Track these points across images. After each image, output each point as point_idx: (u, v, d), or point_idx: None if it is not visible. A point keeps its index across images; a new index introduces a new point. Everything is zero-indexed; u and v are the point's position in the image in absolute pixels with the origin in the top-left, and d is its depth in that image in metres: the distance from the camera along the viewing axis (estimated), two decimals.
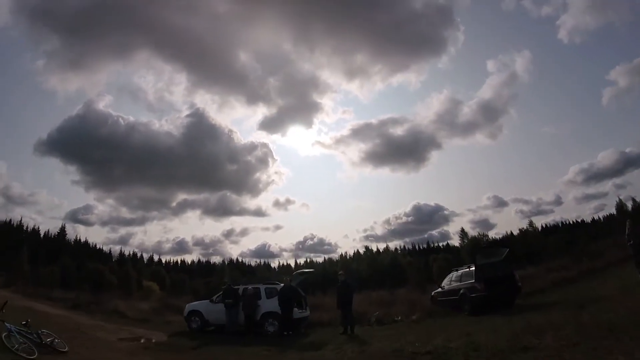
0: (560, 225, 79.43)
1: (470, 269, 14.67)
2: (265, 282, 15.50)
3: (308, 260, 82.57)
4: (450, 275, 16.28)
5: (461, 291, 14.30)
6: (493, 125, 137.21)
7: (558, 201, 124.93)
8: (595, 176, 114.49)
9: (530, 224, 65.89)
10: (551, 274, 19.07)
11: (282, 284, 14.49)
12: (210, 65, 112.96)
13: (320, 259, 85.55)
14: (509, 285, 13.78)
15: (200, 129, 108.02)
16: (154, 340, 12.72)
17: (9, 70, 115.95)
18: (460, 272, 15.55)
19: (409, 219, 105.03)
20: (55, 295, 24.32)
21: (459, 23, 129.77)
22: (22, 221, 68.91)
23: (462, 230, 69.50)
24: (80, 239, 73.42)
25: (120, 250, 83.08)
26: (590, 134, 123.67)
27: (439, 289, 16.42)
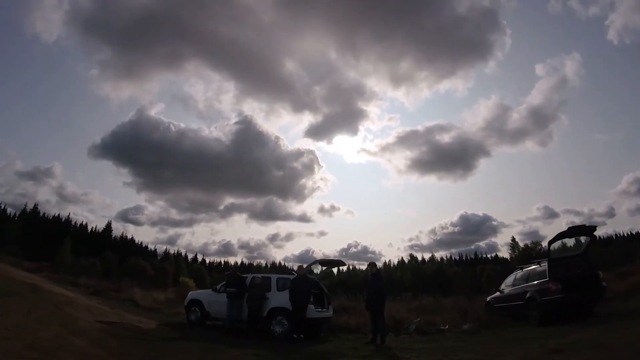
0: (614, 237, 73.04)
1: (542, 265, 11.34)
2: (280, 273, 12.32)
3: (351, 267, 79.09)
4: (513, 275, 12.83)
5: (528, 295, 10.98)
6: (543, 132, 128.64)
7: (611, 213, 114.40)
8: None
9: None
10: (626, 279, 14.99)
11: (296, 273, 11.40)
12: (257, 74, 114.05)
13: (363, 267, 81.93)
14: (591, 286, 10.51)
15: (248, 136, 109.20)
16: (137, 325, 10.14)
17: (65, 78, 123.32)
18: (527, 270, 12.02)
19: (456, 229, 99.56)
20: (82, 282, 23.69)
21: (505, 26, 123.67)
22: (70, 216, 71.10)
23: (513, 239, 63.23)
24: (126, 236, 74.44)
25: (166, 249, 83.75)
26: None
27: (497, 294, 13.13)
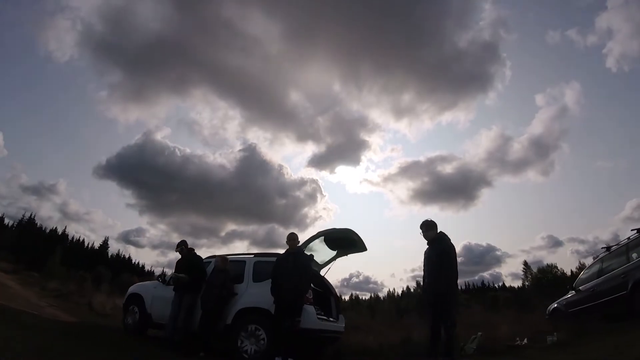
0: None
1: None
2: (260, 254, 7.08)
3: (354, 296, 73.46)
4: (598, 263, 8.66)
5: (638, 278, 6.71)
6: (545, 162, 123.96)
7: (616, 240, 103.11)
8: None
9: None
10: None
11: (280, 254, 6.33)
12: (263, 104, 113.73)
13: (366, 297, 76.17)
14: None
15: (252, 164, 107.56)
16: None
17: (75, 97, 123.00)
18: (624, 243, 7.75)
19: (459, 259, 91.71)
20: (52, 286, 20.85)
21: (505, 58, 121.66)
22: (66, 230, 67.64)
23: (525, 263, 56.74)
24: (123, 255, 70.03)
25: (163, 270, 78.74)
26: None
27: (569, 295, 9.18)
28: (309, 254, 6.49)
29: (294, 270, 5.60)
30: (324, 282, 7.06)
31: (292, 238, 5.96)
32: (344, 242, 7.20)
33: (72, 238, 66.46)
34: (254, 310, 5.90)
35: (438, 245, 5.52)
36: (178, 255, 7.19)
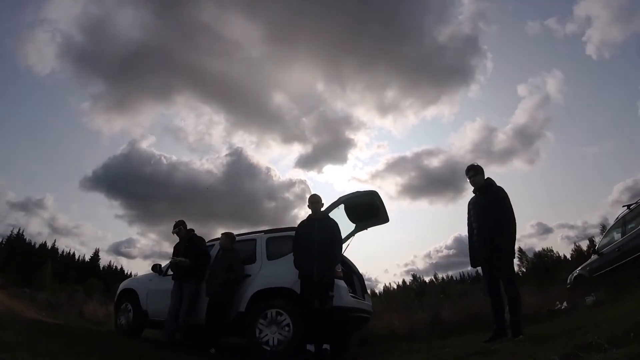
0: None
1: None
2: (272, 230, 5.94)
3: None
4: (618, 223, 8.06)
5: None
6: (530, 150, 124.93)
7: (605, 223, 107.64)
8: None
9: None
10: None
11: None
12: (247, 107, 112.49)
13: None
14: None
15: (240, 168, 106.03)
16: None
17: (58, 110, 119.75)
18: None
19: (451, 251, 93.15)
20: (42, 298, 19.73)
21: (486, 51, 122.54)
22: (56, 244, 65.36)
23: (520, 250, 56.41)
24: (115, 266, 68.14)
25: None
26: (632, 148, 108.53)
27: (594, 260, 8.56)
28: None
29: (321, 237, 4.58)
30: (345, 260, 6.03)
31: (316, 200, 4.91)
32: (365, 211, 6.13)
33: (62, 252, 64.63)
34: (273, 291, 4.83)
35: (489, 190, 4.54)
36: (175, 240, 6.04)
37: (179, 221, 6.01)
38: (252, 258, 5.37)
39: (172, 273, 5.79)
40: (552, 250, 48.56)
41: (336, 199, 5.53)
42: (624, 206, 8.15)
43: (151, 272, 6.44)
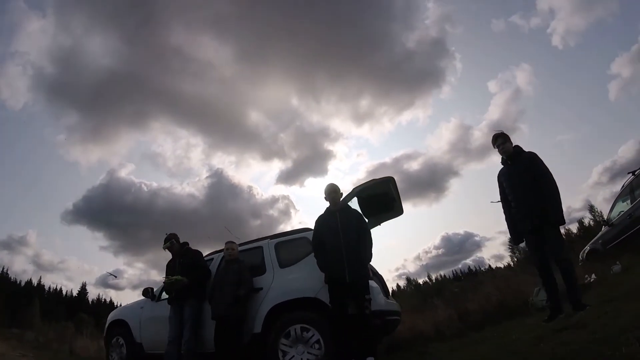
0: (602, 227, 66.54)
1: None
2: (279, 234, 4.96)
3: None
4: (625, 191, 7.81)
5: None
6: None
7: (588, 206, 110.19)
8: (620, 172, 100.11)
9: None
10: None
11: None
12: (224, 127, 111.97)
13: None
14: None
15: (221, 189, 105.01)
16: None
17: (34, 144, 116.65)
18: None
19: (440, 251, 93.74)
20: (29, 336, 19.32)
21: (454, 51, 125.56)
22: (42, 281, 62.91)
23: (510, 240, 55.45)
24: (104, 299, 65.75)
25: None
26: (606, 131, 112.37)
27: (605, 232, 8.29)
28: None
29: (347, 231, 3.82)
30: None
31: (334, 190, 4.11)
32: (379, 202, 5.39)
33: (49, 288, 62.01)
34: (294, 303, 4.00)
35: (520, 157, 4.02)
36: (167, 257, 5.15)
37: (170, 234, 5.06)
38: (261, 268, 4.52)
39: (167, 296, 4.89)
40: None
41: (350, 191, 4.76)
42: (629, 173, 7.84)
43: (142, 298, 5.55)
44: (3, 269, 60.57)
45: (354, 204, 5.16)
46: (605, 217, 8.42)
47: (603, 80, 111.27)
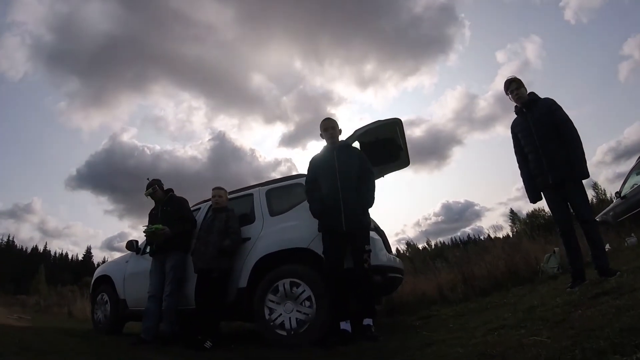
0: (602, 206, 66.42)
1: None
2: (272, 181, 4.34)
3: None
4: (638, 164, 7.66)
5: None
6: (512, 116, 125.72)
7: (589, 184, 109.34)
8: (624, 153, 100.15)
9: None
10: None
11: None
12: (226, 90, 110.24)
13: None
14: None
15: (224, 151, 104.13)
16: None
17: (35, 113, 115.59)
18: None
19: (439, 218, 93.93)
20: (31, 302, 21.07)
21: (464, 19, 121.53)
22: (47, 247, 63.81)
23: (511, 211, 55.21)
24: (107, 260, 67.13)
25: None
26: (613, 111, 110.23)
27: (618, 205, 7.98)
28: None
29: (346, 170, 3.25)
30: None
31: (332, 125, 3.49)
32: (385, 149, 4.79)
33: (55, 254, 62.81)
34: (284, 255, 3.48)
35: (536, 104, 3.47)
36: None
37: (153, 180, 4.55)
38: (250, 217, 4.00)
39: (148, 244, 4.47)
40: (543, 210, 48.01)
41: (351, 134, 4.13)
42: None
43: (128, 252, 5.09)
44: (9, 237, 61.18)
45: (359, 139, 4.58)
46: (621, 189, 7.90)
47: (614, 60, 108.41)
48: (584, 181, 3.28)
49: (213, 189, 4.17)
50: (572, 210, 3.31)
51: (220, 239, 3.71)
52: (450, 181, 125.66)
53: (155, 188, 4.46)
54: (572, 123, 3.30)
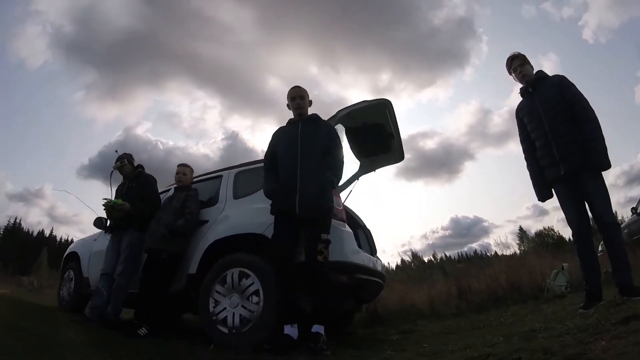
0: None
1: None
2: (247, 163, 3.68)
3: None
4: None
5: None
6: None
7: None
8: (637, 177, 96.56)
9: None
10: None
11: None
12: (241, 91, 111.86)
13: None
14: None
15: (236, 151, 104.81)
16: None
17: (52, 101, 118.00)
18: None
19: (447, 232, 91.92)
20: (26, 282, 20.08)
21: (482, 33, 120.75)
22: (54, 232, 64.28)
23: (520, 229, 53.68)
24: None
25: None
26: (627, 133, 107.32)
27: (633, 222, 7.22)
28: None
29: (309, 145, 2.70)
30: (346, 209, 4.14)
31: (301, 95, 2.90)
32: (373, 137, 4.23)
33: (60, 239, 62.79)
34: (238, 241, 2.96)
35: (546, 82, 2.90)
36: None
37: (124, 154, 4.21)
38: (214, 199, 3.54)
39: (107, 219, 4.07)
40: (553, 229, 46.44)
41: (332, 115, 3.57)
42: None
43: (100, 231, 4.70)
44: (16, 219, 61.73)
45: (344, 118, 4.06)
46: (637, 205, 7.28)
47: (630, 81, 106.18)
48: (604, 173, 2.67)
49: (178, 166, 3.80)
50: (588, 210, 2.70)
51: (174, 219, 3.29)
52: (460, 196, 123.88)
53: (124, 162, 4.12)
54: (587, 102, 2.72)
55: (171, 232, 3.21)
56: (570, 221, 2.77)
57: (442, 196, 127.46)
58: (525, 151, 3.01)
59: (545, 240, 42.12)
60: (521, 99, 3.07)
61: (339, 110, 3.57)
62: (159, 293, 3.15)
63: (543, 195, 2.93)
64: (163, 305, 3.25)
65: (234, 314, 2.66)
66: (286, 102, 2.95)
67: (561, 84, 2.80)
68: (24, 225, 61.42)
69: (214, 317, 2.73)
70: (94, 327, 3.20)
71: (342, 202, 4.24)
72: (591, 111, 2.69)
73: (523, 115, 3.00)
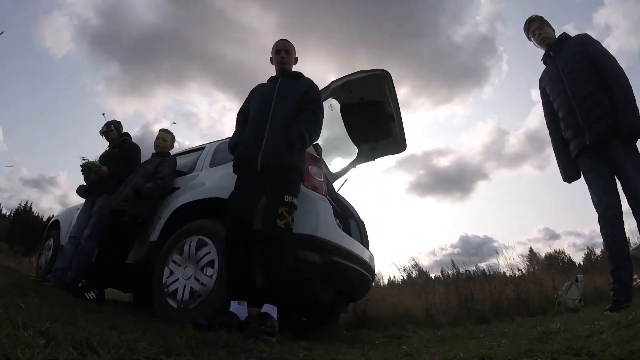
0: None
1: None
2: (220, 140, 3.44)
3: None
4: None
5: None
6: (541, 156, 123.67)
7: None
8: None
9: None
10: None
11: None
12: None
13: None
14: None
15: None
16: None
17: (73, 92, 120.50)
18: None
19: (455, 250, 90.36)
20: (25, 261, 18.96)
21: (502, 52, 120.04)
22: None
23: (531, 250, 52.52)
24: None
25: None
26: None
27: None
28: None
29: (284, 102, 2.32)
30: (338, 198, 3.73)
31: (286, 48, 2.58)
32: (371, 118, 3.83)
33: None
34: (203, 206, 2.61)
35: (568, 43, 2.53)
36: None
37: (112, 120, 4.18)
38: (191, 168, 3.26)
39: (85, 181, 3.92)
40: (563, 252, 45.20)
41: (326, 85, 3.16)
42: None
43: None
44: (27, 203, 62.76)
45: (334, 113, 3.72)
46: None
47: None
48: (638, 143, 2.24)
49: (159, 131, 3.64)
50: (621, 186, 2.26)
51: (143, 182, 3.03)
52: (471, 214, 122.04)
53: (110, 127, 4.10)
54: (615, 60, 2.31)
55: (136, 193, 2.93)
56: (597, 202, 2.31)
57: (453, 214, 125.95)
58: (548, 125, 2.62)
59: (554, 263, 41.04)
60: (545, 66, 2.68)
61: (333, 81, 3.20)
62: (114, 254, 2.87)
63: (568, 175, 2.51)
64: (117, 270, 2.92)
65: (185, 286, 2.29)
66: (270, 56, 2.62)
67: (584, 41, 2.43)
68: (34, 209, 62.53)
69: (165, 289, 2.38)
70: (48, 288, 2.98)
71: (337, 190, 3.91)
72: (619, 68, 2.29)
73: (545, 84, 2.62)
